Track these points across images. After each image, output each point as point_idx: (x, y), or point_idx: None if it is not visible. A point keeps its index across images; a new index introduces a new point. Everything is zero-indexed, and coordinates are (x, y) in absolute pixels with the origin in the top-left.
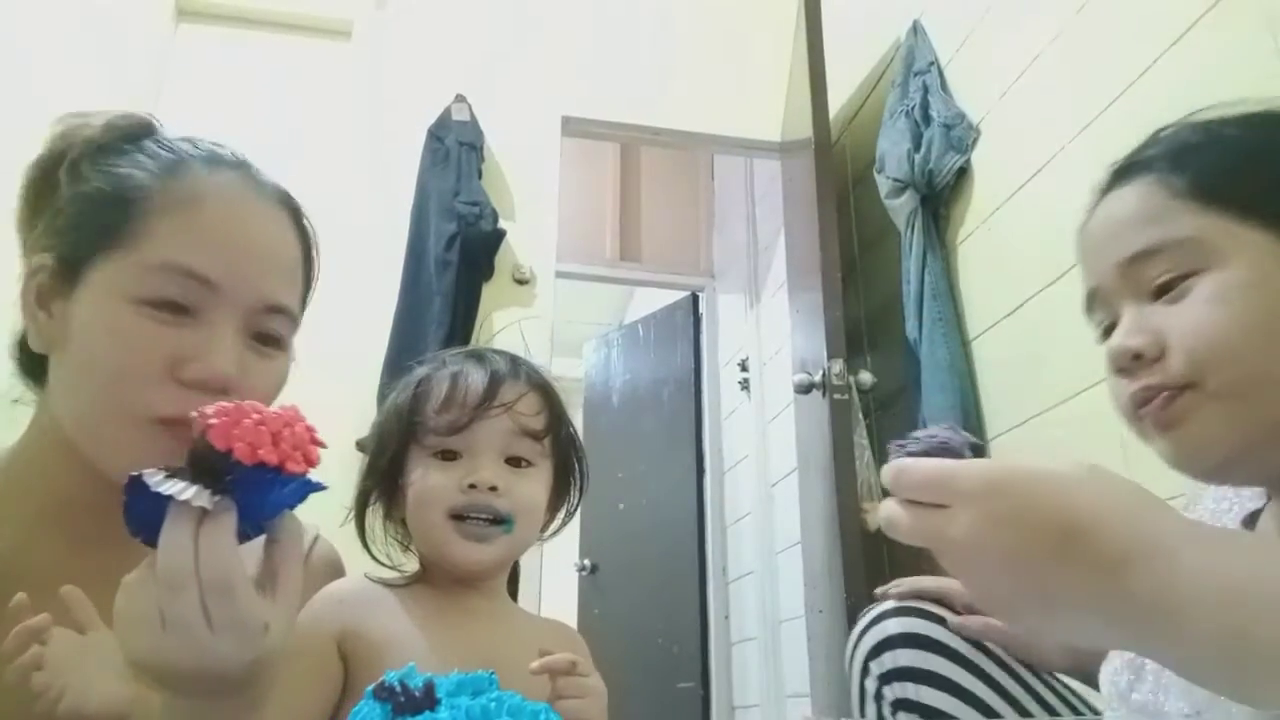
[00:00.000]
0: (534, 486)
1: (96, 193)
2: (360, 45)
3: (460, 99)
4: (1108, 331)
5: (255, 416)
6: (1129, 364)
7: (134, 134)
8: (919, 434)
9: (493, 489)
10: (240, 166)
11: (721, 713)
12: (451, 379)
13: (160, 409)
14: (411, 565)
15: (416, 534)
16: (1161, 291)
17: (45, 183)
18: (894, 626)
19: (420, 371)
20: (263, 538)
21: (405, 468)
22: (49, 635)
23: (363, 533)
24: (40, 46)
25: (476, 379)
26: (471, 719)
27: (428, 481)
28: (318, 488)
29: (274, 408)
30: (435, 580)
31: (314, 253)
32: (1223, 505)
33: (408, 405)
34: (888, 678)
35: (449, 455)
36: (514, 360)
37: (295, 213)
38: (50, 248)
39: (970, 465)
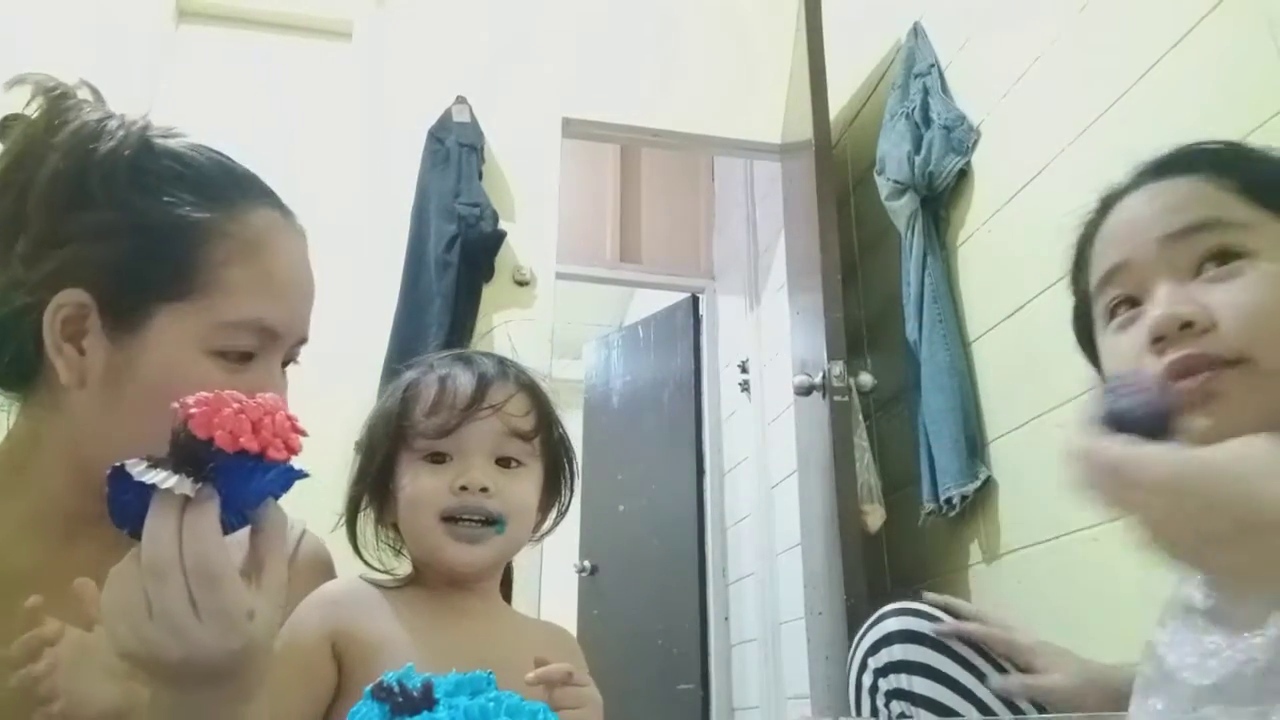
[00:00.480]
0: (525, 487)
1: (149, 228)
2: (360, 46)
3: (460, 100)
4: (1116, 309)
5: (236, 405)
6: (1175, 332)
7: (150, 142)
8: (1129, 385)
9: (484, 490)
10: (270, 196)
11: (721, 714)
12: (439, 382)
13: None
14: (404, 570)
15: (409, 537)
16: (1202, 270)
17: (26, 179)
18: (893, 624)
19: (408, 376)
20: (248, 528)
21: (395, 472)
22: (60, 638)
23: (354, 538)
24: (40, 47)
25: (464, 381)
26: (470, 719)
27: (418, 485)
28: (300, 475)
29: (268, 397)
30: (428, 582)
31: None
32: None
33: (396, 410)
34: (883, 670)
35: (439, 458)
36: (501, 362)
37: (303, 235)
38: (88, 282)
39: (1157, 459)
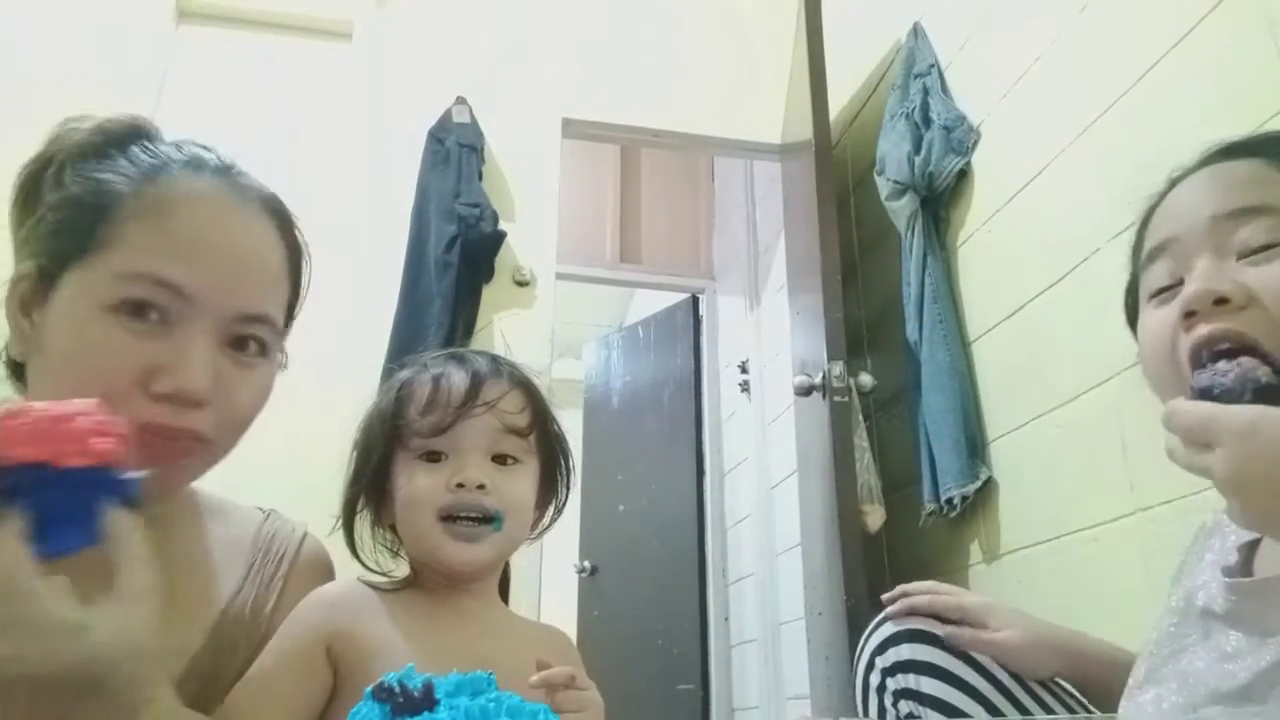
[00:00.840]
0: (522, 483)
1: (75, 199)
2: (361, 46)
3: (461, 101)
4: (1161, 292)
5: (22, 418)
6: (1208, 307)
7: (122, 137)
8: (1224, 366)
9: (480, 487)
10: (224, 171)
11: (721, 714)
12: (433, 381)
13: (127, 417)
14: (401, 571)
15: (407, 538)
16: (1248, 253)
17: (34, 187)
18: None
19: (401, 375)
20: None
21: (391, 472)
22: None
23: (351, 540)
24: (40, 48)
25: (458, 379)
26: (470, 719)
27: (415, 484)
28: (118, 482)
29: (74, 404)
30: (426, 584)
31: (304, 261)
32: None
33: (390, 409)
34: (891, 670)
35: (434, 456)
36: (495, 359)
37: (283, 220)
38: (33, 255)
39: (1233, 409)
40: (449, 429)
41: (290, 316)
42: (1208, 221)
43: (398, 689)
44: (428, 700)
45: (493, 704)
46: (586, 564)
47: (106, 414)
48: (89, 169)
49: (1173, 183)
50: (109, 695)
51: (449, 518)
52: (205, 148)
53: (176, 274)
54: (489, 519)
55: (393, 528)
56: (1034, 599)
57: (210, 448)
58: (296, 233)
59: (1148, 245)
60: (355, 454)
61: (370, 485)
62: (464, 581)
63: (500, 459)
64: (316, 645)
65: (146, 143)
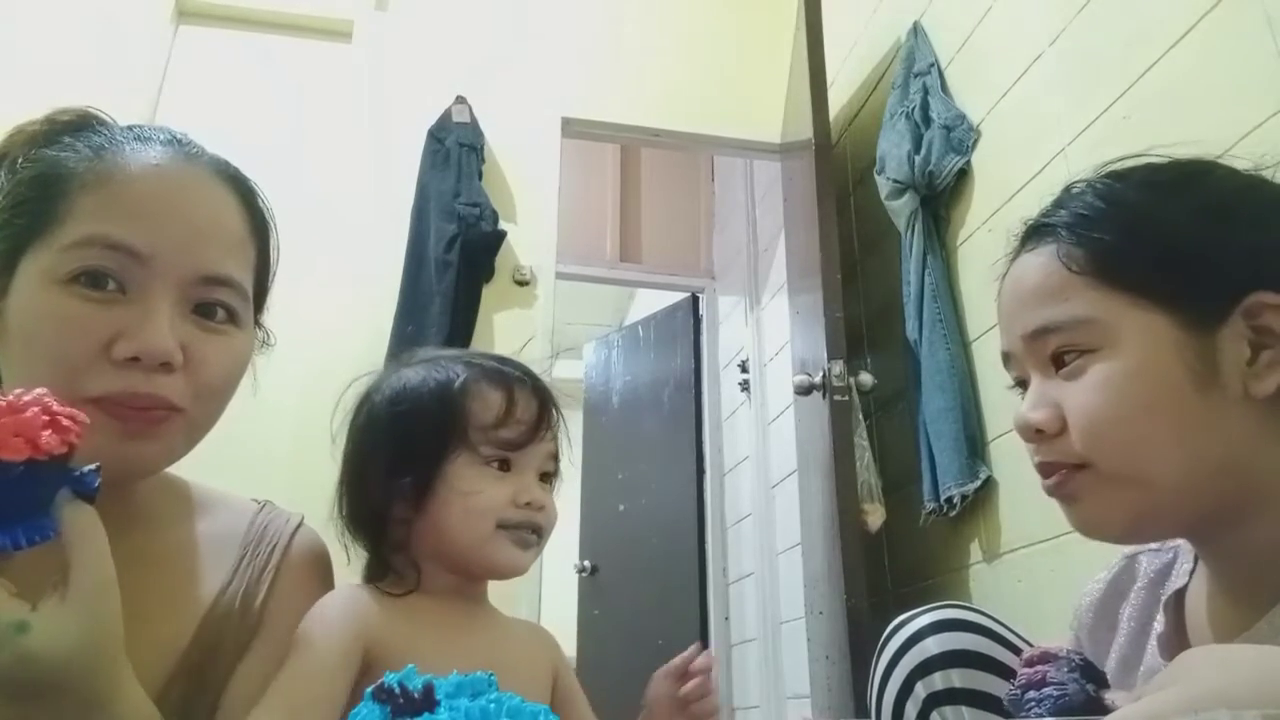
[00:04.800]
0: (555, 504)
1: (27, 182)
2: (360, 46)
3: (460, 100)
4: (1022, 384)
5: None
6: (1032, 436)
7: (74, 126)
8: (1034, 695)
9: (541, 508)
10: (173, 143)
11: (721, 714)
12: (506, 392)
13: (93, 389)
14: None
15: (447, 538)
16: (1062, 366)
17: None
18: (926, 619)
19: (449, 372)
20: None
21: (443, 469)
22: None
23: (374, 529)
24: (40, 48)
25: (529, 397)
26: None
27: (486, 492)
28: (71, 475)
29: (28, 394)
30: (433, 588)
31: (270, 231)
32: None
33: (459, 408)
34: (936, 700)
35: (504, 466)
36: (538, 378)
37: (242, 187)
38: None
39: None
40: (525, 446)
41: (263, 289)
42: (1021, 343)
43: (398, 690)
44: (428, 701)
45: (493, 705)
46: (586, 563)
47: (62, 404)
48: (39, 153)
49: (1006, 272)
50: (58, 698)
51: (507, 527)
52: (160, 128)
53: (128, 236)
54: (537, 531)
55: (406, 523)
56: (1034, 598)
57: (185, 416)
58: (260, 201)
59: (1001, 344)
60: (394, 442)
61: (419, 476)
62: (478, 588)
63: (544, 478)
64: (354, 655)
65: (100, 128)
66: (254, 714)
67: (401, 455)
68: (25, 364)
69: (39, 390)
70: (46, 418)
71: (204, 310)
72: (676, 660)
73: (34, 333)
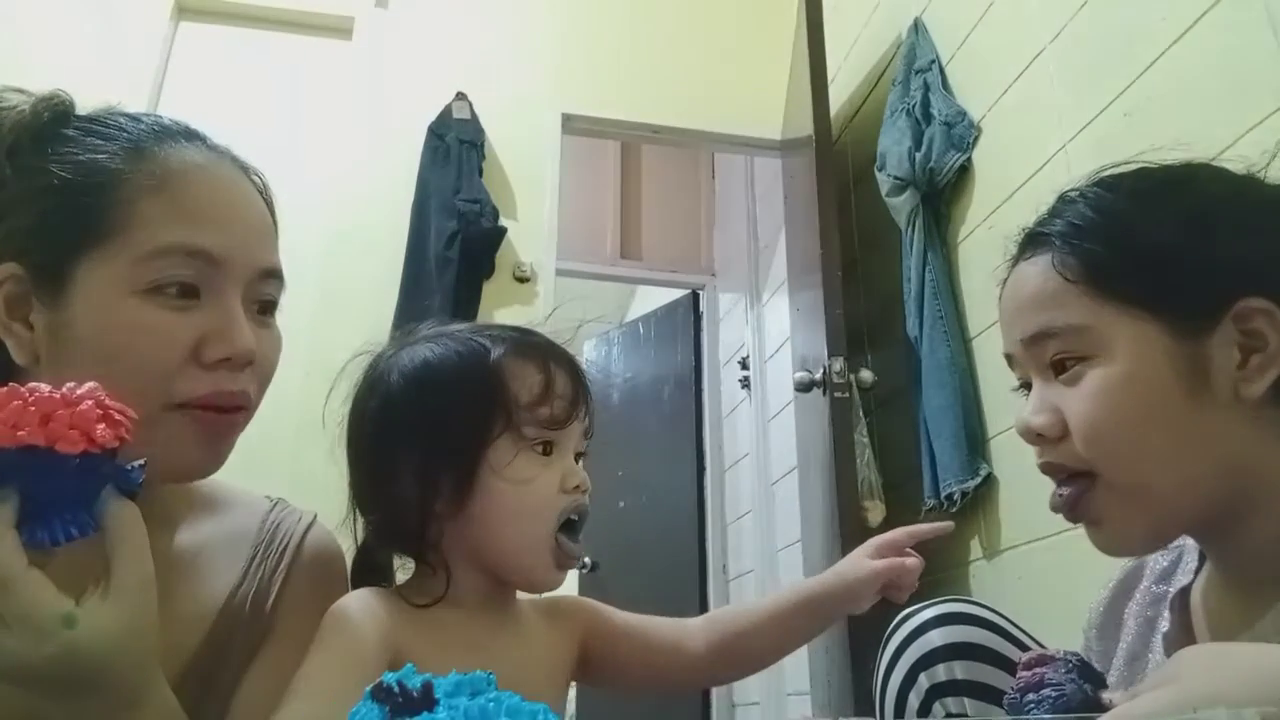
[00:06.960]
0: None
1: (62, 186)
2: (361, 43)
3: (461, 96)
4: (1028, 386)
5: (26, 399)
6: (1034, 440)
7: (67, 115)
8: (1034, 697)
9: (587, 489)
10: (197, 137)
11: (722, 710)
12: (543, 366)
13: (184, 394)
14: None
15: (505, 536)
16: (1062, 372)
17: None
18: (929, 613)
19: (477, 346)
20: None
21: (486, 456)
22: None
23: (410, 538)
24: (39, 45)
25: (565, 371)
26: (470, 719)
27: (536, 479)
28: (119, 470)
29: (81, 388)
30: (462, 600)
31: (275, 213)
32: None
33: (500, 385)
34: (939, 690)
35: (548, 449)
36: (564, 349)
37: (254, 179)
38: (16, 254)
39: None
40: (567, 423)
41: None
42: (1020, 346)
43: (396, 689)
44: (427, 700)
45: (492, 704)
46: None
47: (114, 399)
48: (61, 151)
49: (1003, 281)
50: (99, 693)
51: (563, 528)
52: (157, 116)
53: (203, 241)
54: (581, 516)
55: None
56: (1035, 595)
57: (249, 414)
58: (267, 191)
59: (1003, 347)
60: (428, 429)
61: (464, 467)
62: (525, 590)
63: (576, 458)
64: (383, 655)
65: (99, 117)
66: (288, 707)
67: (437, 443)
68: (102, 376)
69: (90, 384)
70: (100, 411)
71: (258, 304)
72: (925, 527)
73: (118, 345)
